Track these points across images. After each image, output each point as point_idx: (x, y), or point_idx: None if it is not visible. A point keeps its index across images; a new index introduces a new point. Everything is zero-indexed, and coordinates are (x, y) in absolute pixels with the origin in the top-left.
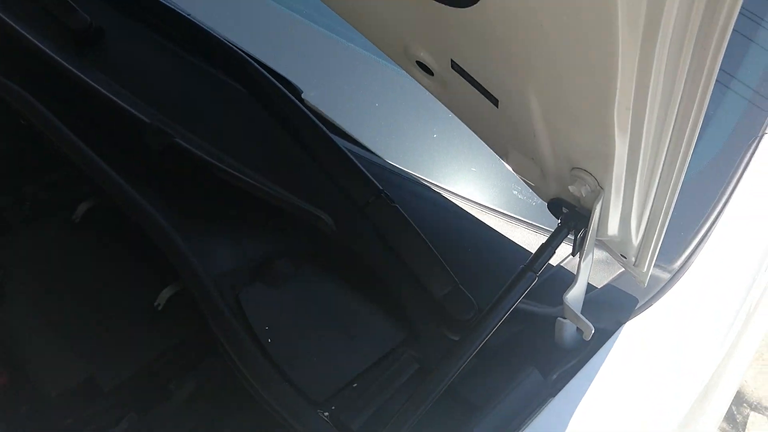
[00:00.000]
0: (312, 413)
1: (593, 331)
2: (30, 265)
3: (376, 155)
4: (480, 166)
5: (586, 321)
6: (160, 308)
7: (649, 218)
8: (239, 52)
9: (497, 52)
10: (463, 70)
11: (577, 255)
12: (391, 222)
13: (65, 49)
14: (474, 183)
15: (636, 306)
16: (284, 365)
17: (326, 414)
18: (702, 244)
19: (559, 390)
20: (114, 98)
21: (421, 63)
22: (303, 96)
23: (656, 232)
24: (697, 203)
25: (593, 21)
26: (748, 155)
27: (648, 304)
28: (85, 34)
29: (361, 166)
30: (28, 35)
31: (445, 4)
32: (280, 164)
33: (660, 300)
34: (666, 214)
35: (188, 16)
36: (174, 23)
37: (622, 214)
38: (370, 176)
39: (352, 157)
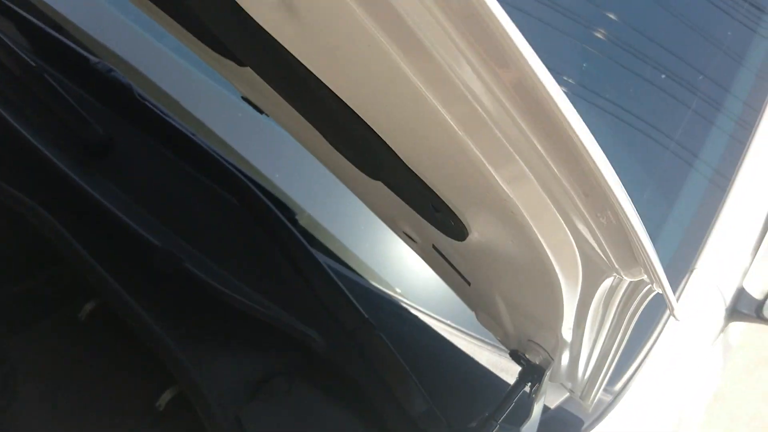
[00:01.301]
0: None
1: None
2: (36, 362)
3: (363, 277)
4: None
5: None
6: (161, 409)
7: (593, 369)
8: (238, 174)
9: (473, 263)
10: (443, 255)
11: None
12: (375, 347)
13: (76, 159)
14: (449, 307)
15: (582, 427)
16: None
17: None
18: (640, 368)
19: None
20: (124, 217)
21: (407, 233)
22: (296, 217)
23: (600, 377)
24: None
25: (542, 278)
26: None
27: (592, 425)
28: (97, 146)
29: (348, 293)
30: (39, 145)
31: (442, 232)
32: (277, 284)
33: (603, 420)
34: (609, 366)
35: (192, 135)
36: (177, 139)
37: (568, 369)
38: (356, 304)
39: (340, 284)
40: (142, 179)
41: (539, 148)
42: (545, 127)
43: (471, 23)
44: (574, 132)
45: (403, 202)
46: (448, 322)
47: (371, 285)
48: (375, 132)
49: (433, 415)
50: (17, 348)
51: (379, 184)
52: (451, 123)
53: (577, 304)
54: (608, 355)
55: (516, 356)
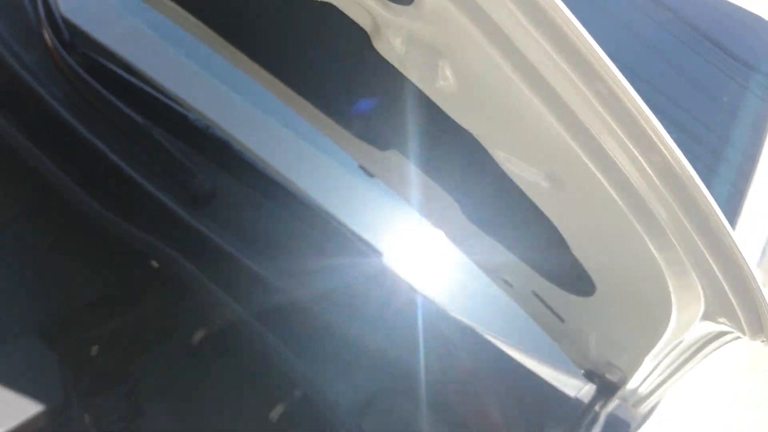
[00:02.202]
0: None
1: None
2: (157, 381)
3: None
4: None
5: None
6: (274, 420)
7: (655, 384)
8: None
9: (579, 308)
10: (541, 299)
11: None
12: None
13: (185, 208)
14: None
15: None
16: None
17: None
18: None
19: None
20: (235, 252)
21: (505, 280)
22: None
23: (659, 390)
24: None
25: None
26: None
27: (638, 427)
28: (202, 196)
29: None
30: (158, 193)
31: (569, 292)
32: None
33: (647, 423)
34: (669, 383)
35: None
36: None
37: (633, 384)
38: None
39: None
40: (240, 225)
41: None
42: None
43: None
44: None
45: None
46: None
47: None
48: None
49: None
50: (140, 369)
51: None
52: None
53: (674, 341)
54: (674, 375)
55: (590, 375)
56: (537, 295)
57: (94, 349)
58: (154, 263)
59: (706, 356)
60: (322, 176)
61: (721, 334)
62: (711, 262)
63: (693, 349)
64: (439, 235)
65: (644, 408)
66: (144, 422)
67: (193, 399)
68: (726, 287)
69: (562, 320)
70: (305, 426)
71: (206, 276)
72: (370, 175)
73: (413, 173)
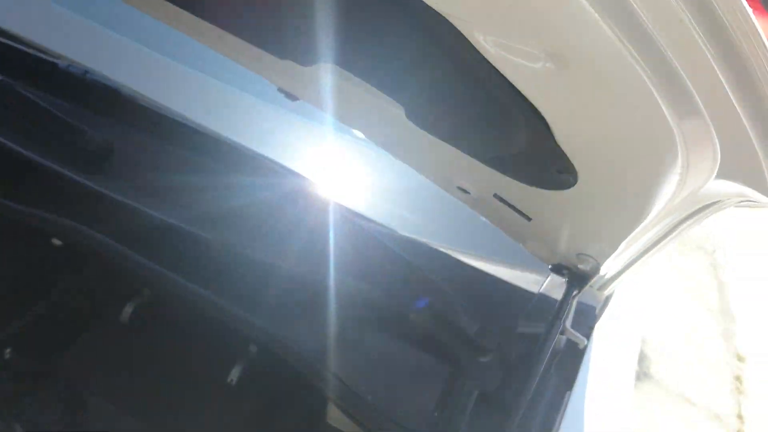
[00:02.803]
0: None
1: (586, 342)
2: (92, 369)
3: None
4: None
5: (581, 336)
6: (233, 384)
7: (621, 267)
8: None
9: (547, 202)
10: (505, 200)
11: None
12: (426, 284)
13: (82, 167)
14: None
15: (596, 312)
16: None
17: None
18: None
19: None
20: (150, 211)
21: (461, 188)
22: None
23: (623, 273)
24: None
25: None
26: None
27: (601, 310)
28: (96, 154)
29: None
30: (46, 162)
31: (546, 188)
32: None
33: (609, 304)
34: (636, 264)
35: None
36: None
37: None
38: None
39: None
40: (146, 173)
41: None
42: None
43: None
44: None
45: (486, 166)
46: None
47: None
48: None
49: (485, 331)
50: (70, 360)
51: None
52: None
53: (651, 222)
54: (634, 263)
55: (558, 268)
56: (500, 198)
57: (7, 353)
58: (56, 241)
59: (683, 231)
60: (231, 111)
61: (713, 204)
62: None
63: (674, 224)
64: (379, 151)
65: (609, 291)
66: (90, 414)
67: (140, 379)
68: (753, 136)
69: (528, 219)
70: (270, 382)
71: (120, 242)
72: (294, 98)
73: (346, 84)
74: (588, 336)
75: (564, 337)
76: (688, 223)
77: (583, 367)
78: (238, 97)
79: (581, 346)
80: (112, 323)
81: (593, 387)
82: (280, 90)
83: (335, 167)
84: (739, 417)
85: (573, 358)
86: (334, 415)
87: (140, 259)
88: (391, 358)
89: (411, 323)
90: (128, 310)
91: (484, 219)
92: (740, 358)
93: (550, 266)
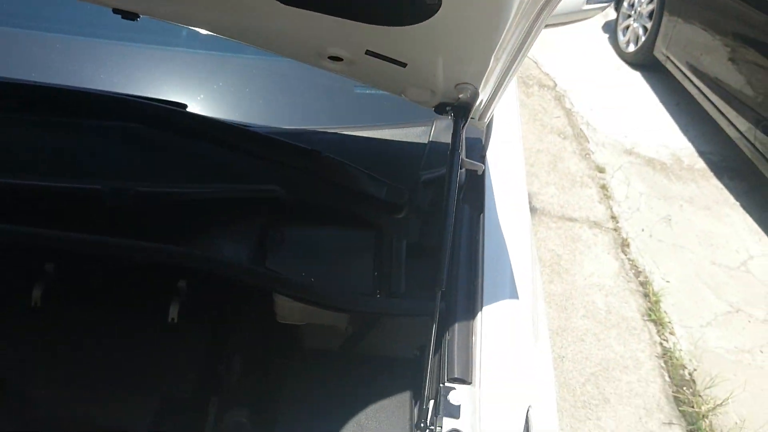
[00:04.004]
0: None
1: (483, 167)
2: (26, 361)
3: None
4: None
5: (478, 163)
6: (175, 321)
7: (490, 94)
8: (119, 97)
9: (416, 40)
10: (378, 54)
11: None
12: (330, 167)
13: None
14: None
15: (482, 143)
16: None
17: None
18: None
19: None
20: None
21: (333, 56)
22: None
23: (494, 100)
24: None
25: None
26: None
27: (486, 139)
28: None
29: (282, 139)
30: None
31: (410, 17)
32: (219, 168)
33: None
34: (502, 89)
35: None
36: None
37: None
38: (296, 144)
39: (273, 135)
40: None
41: None
42: None
43: None
44: None
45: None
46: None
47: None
48: None
49: (394, 189)
50: None
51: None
52: None
53: (509, 29)
54: (504, 79)
55: (441, 107)
56: (373, 53)
57: None
58: None
59: (536, 36)
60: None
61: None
62: None
63: (529, 26)
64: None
65: (487, 119)
66: (40, 408)
67: (78, 354)
68: None
69: (403, 65)
70: (215, 305)
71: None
72: (134, 16)
73: None
74: (483, 162)
75: (463, 171)
76: (539, 22)
77: (487, 193)
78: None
79: (480, 172)
80: (24, 311)
81: (495, 209)
82: (116, 11)
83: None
84: (613, 218)
85: (476, 185)
86: (281, 327)
87: (38, 231)
88: (314, 247)
89: (323, 208)
90: (37, 293)
91: (357, 91)
92: (600, 170)
93: (433, 108)
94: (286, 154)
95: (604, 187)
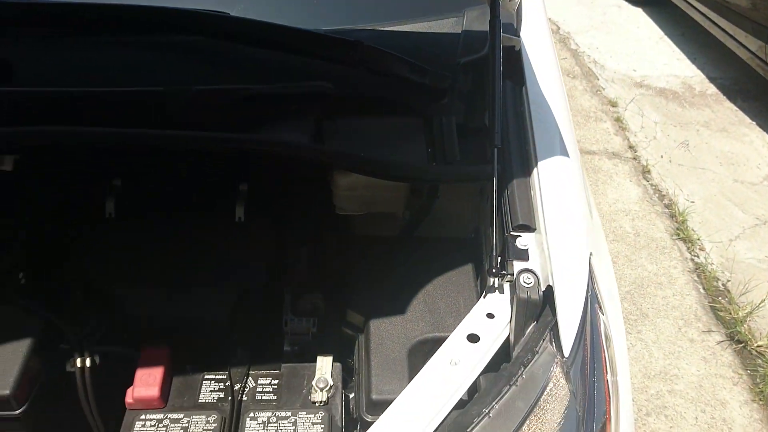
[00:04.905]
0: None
1: (520, 40)
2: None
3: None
4: None
5: (515, 37)
6: (242, 219)
7: None
8: (164, 9)
9: None
10: None
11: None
12: (374, 57)
13: None
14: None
15: (514, 27)
16: None
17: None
18: None
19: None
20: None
21: None
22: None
23: None
24: None
25: None
26: None
27: (518, 24)
28: None
29: (323, 35)
30: None
31: None
32: (268, 68)
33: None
34: None
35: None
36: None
37: None
38: (336, 37)
39: (314, 31)
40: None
41: None
42: None
43: None
44: None
45: None
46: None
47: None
48: None
49: (437, 74)
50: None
51: None
52: None
53: None
54: None
55: None
56: None
57: (21, 277)
58: (6, 167)
59: None
60: None
61: None
62: None
63: None
64: None
65: (517, 2)
66: (126, 307)
67: (155, 257)
68: None
69: None
70: (276, 203)
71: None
72: None
73: None
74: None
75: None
76: None
77: (525, 67)
78: None
79: (517, 48)
80: (101, 221)
81: (535, 81)
82: None
83: None
84: (631, 147)
85: (515, 61)
86: (341, 218)
87: (116, 130)
88: (367, 135)
89: (371, 99)
90: (110, 204)
91: None
92: (613, 104)
93: None
94: (332, 48)
95: (618, 119)
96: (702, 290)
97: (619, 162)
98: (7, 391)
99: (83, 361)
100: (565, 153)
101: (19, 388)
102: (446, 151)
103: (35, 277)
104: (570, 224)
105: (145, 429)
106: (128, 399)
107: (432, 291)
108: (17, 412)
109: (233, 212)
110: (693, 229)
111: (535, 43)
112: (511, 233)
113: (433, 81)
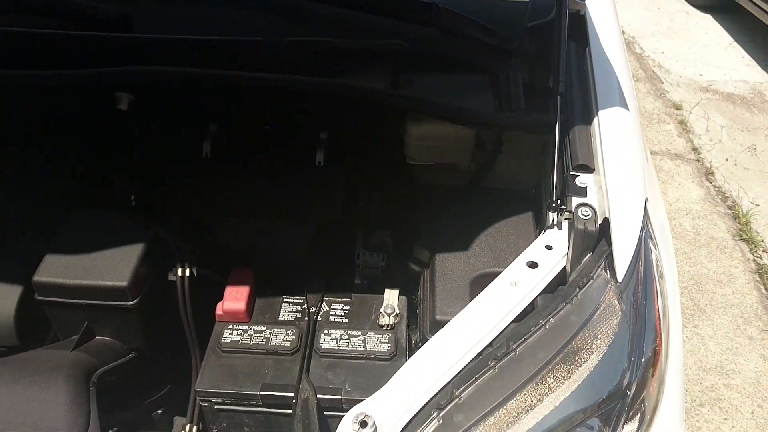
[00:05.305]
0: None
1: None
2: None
3: None
4: None
5: (580, 2)
6: (321, 164)
7: None
8: None
9: None
10: None
11: None
12: (447, 18)
13: None
14: None
15: None
16: None
17: None
18: None
19: None
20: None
21: None
22: None
23: None
24: None
25: None
26: None
27: None
28: (116, 22)
29: None
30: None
31: None
32: (351, 26)
33: None
34: None
35: None
36: None
37: None
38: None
39: None
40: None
41: None
42: None
43: None
44: None
45: None
46: None
47: None
48: None
49: (505, 36)
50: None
51: None
52: None
53: None
54: None
55: None
56: None
57: (132, 199)
58: (122, 105)
59: None
60: None
61: None
62: None
63: None
64: None
65: None
66: (219, 237)
67: (243, 193)
68: None
69: None
70: (352, 151)
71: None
72: None
73: None
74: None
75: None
76: None
77: (589, 30)
78: None
79: (582, 12)
80: (199, 161)
81: (598, 43)
82: None
83: None
84: (694, 149)
85: (579, 24)
86: (410, 167)
87: (219, 72)
88: (439, 89)
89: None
90: (207, 146)
91: None
92: (677, 107)
93: None
94: (409, 9)
95: (682, 122)
96: (764, 290)
97: (681, 163)
98: (125, 283)
99: (183, 272)
100: (625, 106)
101: (133, 283)
102: (512, 102)
103: (143, 202)
104: (627, 167)
105: (232, 336)
106: (218, 311)
107: (494, 233)
108: (130, 303)
109: (314, 157)
110: (757, 231)
111: (600, 8)
112: (571, 173)
113: (501, 42)
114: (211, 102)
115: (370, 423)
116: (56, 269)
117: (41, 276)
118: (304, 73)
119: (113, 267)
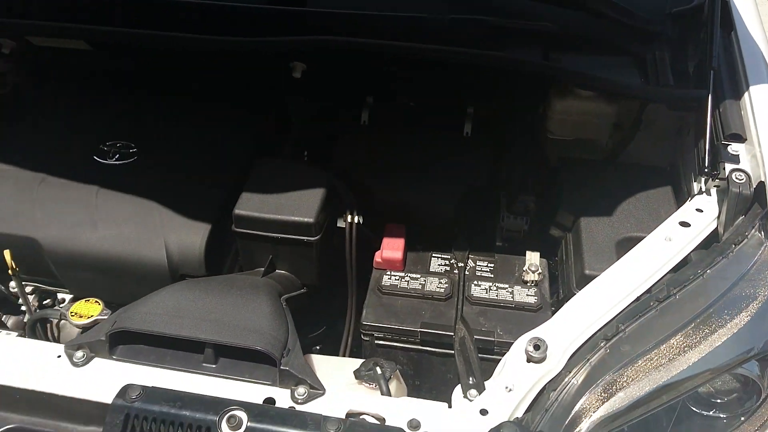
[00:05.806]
0: None
1: None
2: None
3: None
4: None
5: None
6: (469, 134)
7: None
8: None
9: None
10: None
11: None
12: (595, 2)
13: None
14: None
15: None
16: None
17: None
18: None
19: None
20: None
21: None
22: None
23: None
24: None
25: None
26: None
27: None
28: None
29: None
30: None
31: None
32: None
33: None
34: None
35: None
36: None
37: None
38: None
39: None
40: None
41: None
42: None
43: None
44: None
45: None
46: None
47: None
48: None
49: (647, 19)
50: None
51: None
52: None
53: None
54: None
55: None
56: None
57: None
58: (296, 73)
59: None
60: None
61: None
62: None
63: None
64: None
65: None
66: (374, 194)
67: (399, 156)
68: None
69: None
70: (498, 124)
71: None
72: None
73: None
74: None
75: None
76: None
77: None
78: None
79: None
80: (359, 127)
81: (744, 28)
82: None
83: None
84: None
85: (724, 7)
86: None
87: (386, 42)
88: (587, 67)
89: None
90: (365, 114)
91: None
92: None
93: None
94: None
95: None
96: None
97: None
98: (312, 219)
99: (353, 219)
100: None
101: (317, 222)
102: (660, 78)
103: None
104: None
105: (390, 281)
106: (377, 259)
107: (635, 202)
108: (313, 239)
109: (462, 128)
110: None
111: None
112: (722, 141)
113: (645, 25)
114: (370, 76)
115: (543, 347)
116: (253, 204)
117: (241, 209)
118: (462, 47)
119: (301, 205)
